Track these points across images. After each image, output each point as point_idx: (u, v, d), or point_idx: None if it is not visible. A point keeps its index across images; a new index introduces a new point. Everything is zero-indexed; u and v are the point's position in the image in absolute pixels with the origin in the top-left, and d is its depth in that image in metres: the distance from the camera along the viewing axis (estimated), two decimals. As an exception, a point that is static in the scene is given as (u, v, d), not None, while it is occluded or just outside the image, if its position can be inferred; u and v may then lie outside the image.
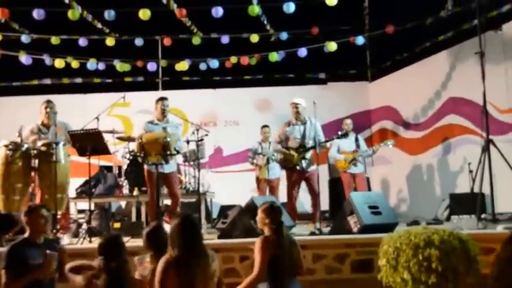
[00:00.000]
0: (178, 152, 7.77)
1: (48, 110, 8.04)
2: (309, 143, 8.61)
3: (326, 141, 8.78)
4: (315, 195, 8.57)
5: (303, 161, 8.65)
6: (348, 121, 10.32)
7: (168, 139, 7.52)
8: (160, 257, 4.13)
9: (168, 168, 8.04)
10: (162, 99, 8.32)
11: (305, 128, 8.79)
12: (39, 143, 7.54)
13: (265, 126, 10.32)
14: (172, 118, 8.58)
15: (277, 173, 9.93)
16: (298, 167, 8.72)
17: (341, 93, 13.01)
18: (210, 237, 7.30)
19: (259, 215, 4.95)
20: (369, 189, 10.99)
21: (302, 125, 8.76)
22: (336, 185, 10.74)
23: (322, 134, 8.80)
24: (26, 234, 4.82)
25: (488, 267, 5.86)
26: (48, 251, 4.64)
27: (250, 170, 10.51)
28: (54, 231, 7.09)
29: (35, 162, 7.31)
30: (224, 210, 9.80)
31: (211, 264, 4.09)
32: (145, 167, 8.10)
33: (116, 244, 4.35)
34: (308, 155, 8.62)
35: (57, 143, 7.39)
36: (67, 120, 8.30)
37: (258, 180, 10.06)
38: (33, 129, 7.99)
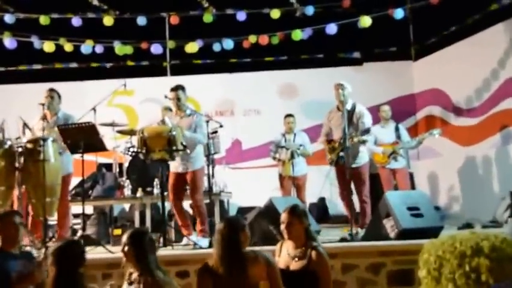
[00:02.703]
0: (185, 147, 7.63)
1: (48, 99, 8.04)
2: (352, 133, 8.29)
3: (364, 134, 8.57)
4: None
5: (340, 157, 8.31)
6: (386, 108, 10.19)
7: (174, 132, 7.44)
8: None
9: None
10: (172, 89, 8.13)
11: (351, 117, 8.46)
12: (24, 139, 7.50)
13: (289, 115, 10.29)
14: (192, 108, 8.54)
15: (304, 169, 9.89)
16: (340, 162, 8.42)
17: (380, 75, 12.90)
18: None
19: None
20: (413, 187, 10.94)
21: (346, 113, 8.30)
22: (373, 182, 10.57)
23: (367, 121, 8.61)
24: None
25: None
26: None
27: (273, 165, 10.50)
28: (47, 239, 7.14)
29: (20, 161, 7.28)
30: (242, 212, 9.81)
31: None
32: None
33: (68, 252, 4.30)
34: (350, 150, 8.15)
35: (44, 139, 7.32)
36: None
37: (281, 177, 10.01)
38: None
